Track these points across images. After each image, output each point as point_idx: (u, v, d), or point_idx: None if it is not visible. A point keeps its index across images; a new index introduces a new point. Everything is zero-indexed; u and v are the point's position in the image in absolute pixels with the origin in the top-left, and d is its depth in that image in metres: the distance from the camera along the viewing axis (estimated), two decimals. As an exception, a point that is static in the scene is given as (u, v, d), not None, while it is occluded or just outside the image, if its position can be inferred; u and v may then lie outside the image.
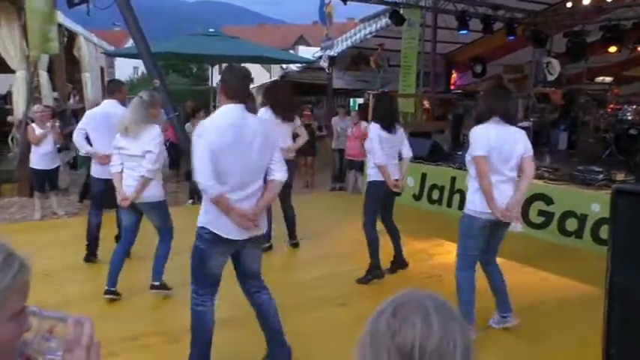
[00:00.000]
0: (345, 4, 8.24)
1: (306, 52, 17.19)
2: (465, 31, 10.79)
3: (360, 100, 16.71)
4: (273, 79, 21.00)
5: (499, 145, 3.60)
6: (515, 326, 3.83)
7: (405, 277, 5.03)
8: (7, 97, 11.58)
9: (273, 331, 3.26)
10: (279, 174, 3.15)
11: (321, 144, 11.36)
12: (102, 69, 16.31)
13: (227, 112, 3.07)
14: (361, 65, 12.63)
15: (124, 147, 4.32)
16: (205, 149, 2.95)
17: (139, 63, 40.50)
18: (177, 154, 11.49)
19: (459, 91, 13.33)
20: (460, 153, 8.75)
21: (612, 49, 11.06)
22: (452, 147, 9.92)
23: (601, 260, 5.32)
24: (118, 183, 4.38)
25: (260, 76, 32.14)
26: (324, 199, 9.41)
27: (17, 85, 9.17)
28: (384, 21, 11.32)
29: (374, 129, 4.83)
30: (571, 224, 6.29)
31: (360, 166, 9.44)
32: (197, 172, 2.97)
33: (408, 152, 5.06)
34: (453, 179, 7.81)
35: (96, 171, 5.40)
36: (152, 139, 4.24)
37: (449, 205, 7.78)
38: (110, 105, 5.52)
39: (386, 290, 4.89)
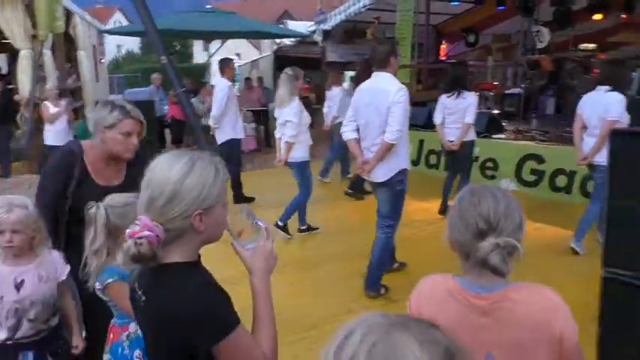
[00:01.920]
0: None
1: (295, 26, 17.25)
2: (456, 2, 11.09)
3: (352, 73, 16.87)
4: (263, 54, 21.00)
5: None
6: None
7: (420, 228, 5.55)
8: (6, 77, 11.72)
9: (372, 261, 4.07)
10: (386, 135, 3.76)
11: (319, 116, 11.69)
12: (94, 47, 16.33)
13: (371, 78, 3.90)
14: (355, 38, 12.83)
15: (278, 117, 5.29)
16: (351, 104, 4.06)
17: (122, 41, 40.07)
18: (180, 130, 11.75)
19: (453, 61, 13.64)
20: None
21: (597, 16, 11.41)
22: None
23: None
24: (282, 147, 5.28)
25: (249, 52, 31.96)
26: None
27: (22, 64, 9.31)
28: (377, -7, 11.54)
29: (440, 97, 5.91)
30: (561, 181, 6.78)
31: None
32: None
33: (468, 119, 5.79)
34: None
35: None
36: (291, 109, 5.05)
37: (446, 168, 8.22)
38: (220, 82, 6.56)
39: (406, 242, 5.33)
